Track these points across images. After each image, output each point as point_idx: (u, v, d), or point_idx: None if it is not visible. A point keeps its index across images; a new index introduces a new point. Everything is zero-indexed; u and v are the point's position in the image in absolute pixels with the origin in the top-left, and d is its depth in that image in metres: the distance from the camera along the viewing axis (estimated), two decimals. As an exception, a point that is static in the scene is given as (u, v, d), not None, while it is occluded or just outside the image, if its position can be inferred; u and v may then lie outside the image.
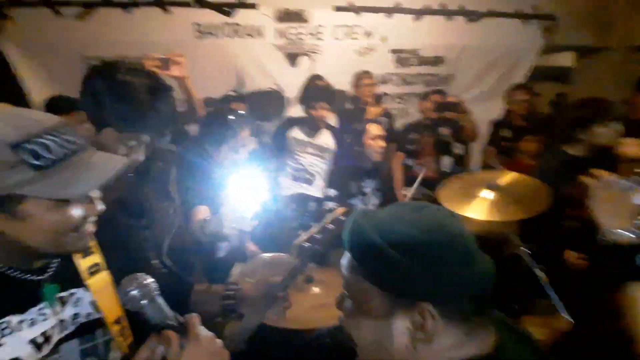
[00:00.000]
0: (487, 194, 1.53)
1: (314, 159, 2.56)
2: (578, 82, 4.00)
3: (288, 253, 1.83)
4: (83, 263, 0.81)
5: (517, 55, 3.41)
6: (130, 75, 0.96)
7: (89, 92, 0.97)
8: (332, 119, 3.03)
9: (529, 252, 1.48)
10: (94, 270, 0.82)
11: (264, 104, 3.14)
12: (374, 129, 2.15)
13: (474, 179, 1.69)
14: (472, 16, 3.23)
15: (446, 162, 2.89)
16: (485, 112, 3.26)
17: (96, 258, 0.83)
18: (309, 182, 2.57)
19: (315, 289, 1.45)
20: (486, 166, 3.24)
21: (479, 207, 1.49)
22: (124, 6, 2.82)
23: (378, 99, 2.69)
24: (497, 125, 3.20)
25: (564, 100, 5.73)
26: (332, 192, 2.18)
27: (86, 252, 0.81)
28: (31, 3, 2.71)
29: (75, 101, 2.54)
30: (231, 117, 1.63)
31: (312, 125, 2.53)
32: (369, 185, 2.25)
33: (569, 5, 3.35)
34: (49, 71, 2.83)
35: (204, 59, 2.97)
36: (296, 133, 2.58)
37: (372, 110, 2.69)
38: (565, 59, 4.33)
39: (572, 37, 3.47)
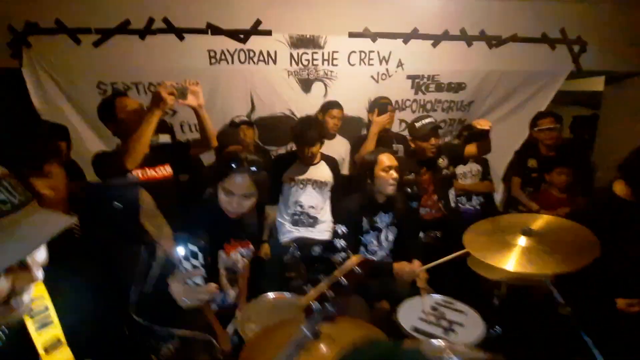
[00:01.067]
0: (522, 241, 1.34)
1: (313, 196, 2.42)
2: (606, 108, 3.77)
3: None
4: (39, 337, 0.68)
5: (544, 81, 3.22)
6: None
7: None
8: (341, 146, 2.93)
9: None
10: (52, 346, 0.69)
11: (275, 128, 3.06)
12: (386, 159, 2.00)
13: (506, 222, 1.50)
14: (494, 41, 3.09)
15: (454, 196, 2.67)
16: (506, 137, 3.07)
17: (56, 330, 0.70)
18: (310, 224, 2.43)
19: (322, 347, 1.28)
20: (512, 199, 3.03)
21: (513, 257, 1.30)
22: (141, 33, 2.83)
23: (382, 108, 2.69)
24: (523, 155, 3.01)
25: (585, 124, 5.48)
26: (342, 229, 2.01)
27: (43, 323, 0.68)
28: (51, 30, 2.75)
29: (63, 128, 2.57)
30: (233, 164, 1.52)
31: (306, 160, 2.40)
32: (383, 220, 2.08)
33: (598, 29, 3.17)
34: (64, 97, 2.84)
35: (218, 85, 2.95)
36: (289, 172, 2.43)
37: (377, 120, 2.62)
38: (596, 84, 4.12)
39: (603, 62, 3.27)
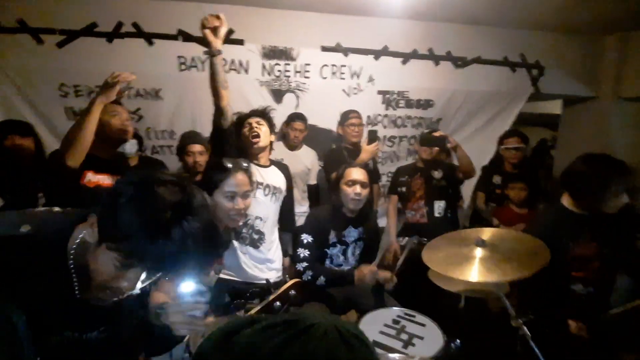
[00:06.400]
0: (478, 252, 1.37)
1: (263, 205, 1.95)
2: (564, 129, 4.01)
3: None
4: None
5: (506, 102, 3.39)
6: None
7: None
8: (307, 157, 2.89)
9: (527, 320, 1.30)
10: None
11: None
12: (353, 173, 2.01)
13: (459, 236, 1.53)
14: (459, 62, 3.24)
15: (438, 206, 2.77)
16: (476, 155, 3.18)
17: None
18: (254, 242, 1.95)
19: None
20: (475, 212, 3.12)
21: (472, 268, 1.32)
22: (108, 36, 2.76)
23: (372, 135, 2.51)
24: (488, 170, 3.12)
25: (545, 146, 5.80)
26: (308, 239, 1.99)
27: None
28: (13, 29, 2.63)
29: (30, 127, 2.32)
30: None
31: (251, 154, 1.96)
32: (351, 235, 2.07)
33: (558, 54, 3.39)
34: (20, 98, 2.70)
35: (187, 92, 2.90)
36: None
37: (367, 148, 2.49)
38: (555, 106, 4.37)
39: (560, 86, 3.49)
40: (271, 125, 2.04)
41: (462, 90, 3.29)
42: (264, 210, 1.96)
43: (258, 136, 1.92)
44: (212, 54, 1.76)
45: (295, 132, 2.85)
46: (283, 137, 2.99)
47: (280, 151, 2.89)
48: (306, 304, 1.95)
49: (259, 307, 0.92)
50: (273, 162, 2.12)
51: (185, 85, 2.88)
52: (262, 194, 1.97)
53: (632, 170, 1.59)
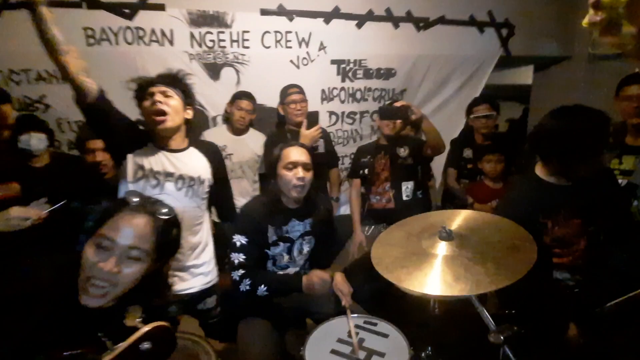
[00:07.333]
0: (442, 249, 1.01)
1: (176, 201, 1.43)
2: (536, 97, 3.75)
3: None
4: None
5: (475, 67, 3.06)
6: None
7: None
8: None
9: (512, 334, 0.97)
10: None
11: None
12: (292, 154, 1.61)
13: (419, 224, 1.16)
14: (421, 23, 2.86)
15: (406, 188, 2.43)
16: (446, 128, 2.86)
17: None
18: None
19: None
20: (447, 191, 2.81)
21: (434, 274, 0.96)
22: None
23: (312, 118, 2.12)
24: (458, 144, 2.80)
25: (523, 118, 5.59)
26: (242, 241, 1.59)
27: None
28: None
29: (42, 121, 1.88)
30: None
31: (158, 140, 1.51)
32: (295, 230, 1.70)
33: (527, 13, 3.08)
34: None
35: (99, 71, 2.39)
36: (138, 155, 1.49)
37: (306, 133, 2.11)
38: (525, 76, 4.11)
39: (532, 47, 3.19)
40: (187, 96, 1.54)
41: (426, 55, 2.93)
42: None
43: (163, 113, 1.44)
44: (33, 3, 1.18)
45: (242, 112, 2.42)
46: (226, 119, 2.56)
47: (223, 137, 2.46)
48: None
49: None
50: (193, 143, 1.63)
51: (97, 63, 2.36)
52: (173, 187, 1.51)
53: (610, 120, 1.31)
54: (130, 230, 0.85)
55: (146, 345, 0.61)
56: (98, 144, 1.88)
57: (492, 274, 0.86)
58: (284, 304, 1.68)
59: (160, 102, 1.44)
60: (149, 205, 0.93)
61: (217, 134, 2.48)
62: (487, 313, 0.98)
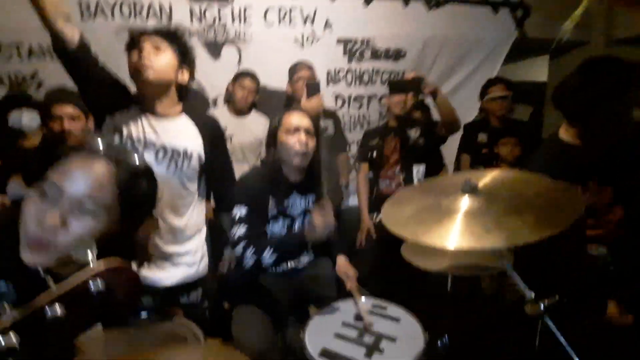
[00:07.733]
0: (465, 203, 0.86)
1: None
2: (552, 83, 3.58)
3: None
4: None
5: (489, 49, 2.91)
6: None
7: None
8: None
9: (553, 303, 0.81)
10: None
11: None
12: (294, 119, 1.47)
13: (440, 184, 1.01)
14: (432, 2, 2.72)
15: (417, 171, 2.28)
16: (459, 114, 2.71)
17: None
18: None
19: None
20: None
21: (457, 227, 0.80)
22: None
23: (312, 87, 1.92)
24: (472, 128, 2.65)
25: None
26: (242, 211, 1.44)
27: None
28: None
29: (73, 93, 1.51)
30: None
31: (146, 103, 1.32)
32: (297, 206, 1.54)
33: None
34: None
35: (94, 47, 2.29)
36: (119, 118, 1.31)
37: (306, 104, 1.93)
38: (540, 72, 3.95)
39: (548, 29, 3.02)
40: (183, 53, 1.34)
41: (438, 36, 2.79)
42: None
43: (149, 66, 1.24)
44: None
45: (244, 91, 2.29)
46: (228, 100, 2.44)
47: (224, 117, 2.33)
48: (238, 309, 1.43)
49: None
50: (188, 113, 1.42)
51: (92, 37, 2.26)
52: (152, 159, 1.30)
53: None
54: (84, 176, 0.68)
55: (99, 285, 0.47)
56: (67, 109, 1.69)
57: (532, 224, 0.70)
58: (283, 289, 1.53)
59: (148, 52, 1.24)
60: (111, 150, 0.74)
61: (218, 115, 2.35)
62: (521, 281, 0.81)
